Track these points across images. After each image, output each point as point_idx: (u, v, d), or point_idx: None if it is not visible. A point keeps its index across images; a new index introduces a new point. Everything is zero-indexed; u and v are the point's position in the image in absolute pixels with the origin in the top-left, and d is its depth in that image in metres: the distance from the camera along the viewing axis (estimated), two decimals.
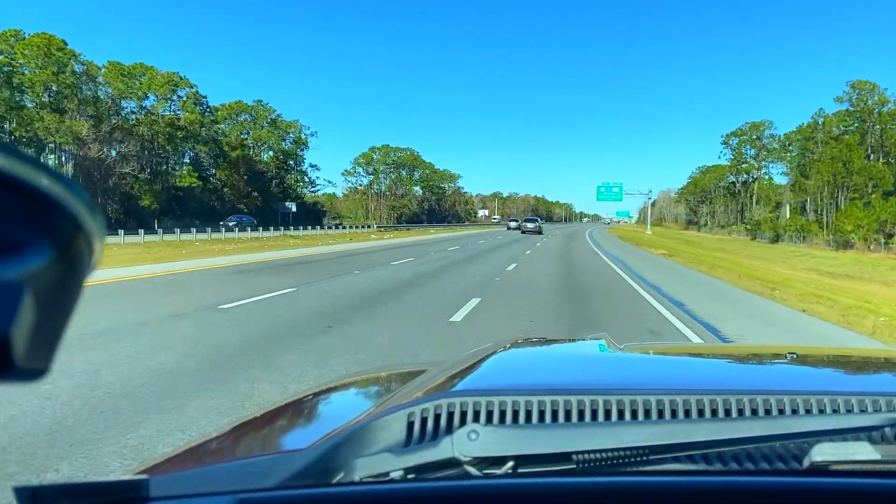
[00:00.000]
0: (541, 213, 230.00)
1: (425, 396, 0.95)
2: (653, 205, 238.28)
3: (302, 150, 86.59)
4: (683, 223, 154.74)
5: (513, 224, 72.20)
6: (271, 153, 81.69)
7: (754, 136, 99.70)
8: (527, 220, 61.71)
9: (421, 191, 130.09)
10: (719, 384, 1.04)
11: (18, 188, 0.35)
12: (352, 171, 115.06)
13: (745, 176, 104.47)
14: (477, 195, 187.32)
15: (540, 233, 55.16)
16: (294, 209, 74.86)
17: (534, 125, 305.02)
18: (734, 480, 0.76)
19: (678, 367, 1.51)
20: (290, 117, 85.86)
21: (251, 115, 79.59)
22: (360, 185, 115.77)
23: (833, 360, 1.62)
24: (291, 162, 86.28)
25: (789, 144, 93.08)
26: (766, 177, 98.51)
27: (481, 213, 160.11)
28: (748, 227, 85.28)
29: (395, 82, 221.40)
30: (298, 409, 1.52)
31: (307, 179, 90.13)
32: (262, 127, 79.78)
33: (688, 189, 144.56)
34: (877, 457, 0.74)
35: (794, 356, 1.36)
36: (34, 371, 0.37)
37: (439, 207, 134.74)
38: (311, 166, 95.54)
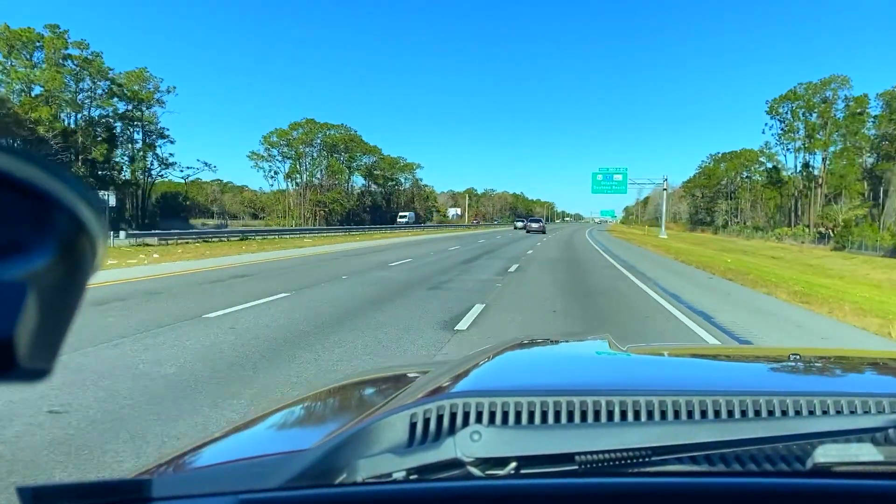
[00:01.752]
0: (520, 212, 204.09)
1: (428, 397, 0.95)
2: (645, 202, 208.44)
3: (147, 111, 57.27)
4: (686, 223, 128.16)
5: (519, 224, 77.72)
6: (71, 111, 50.48)
7: (817, 100, 70.84)
8: (531, 221, 67.34)
9: (366, 182, 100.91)
10: (722, 385, 1.03)
11: (22, 188, 0.35)
12: (261, 154, 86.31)
13: (800, 158, 75.54)
14: (447, 192, 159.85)
15: (543, 232, 59.45)
16: (112, 201, 44.76)
17: (511, 118, 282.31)
18: (737, 482, 0.76)
19: (681, 367, 1.51)
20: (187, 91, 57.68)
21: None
22: (275, 170, 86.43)
23: (836, 361, 1.61)
24: (132, 129, 56.92)
25: (859, 113, 65.72)
26: (834, 159, 68.99)
27: (452, 212, 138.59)
28: (823, 230, 57.74)
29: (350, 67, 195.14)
30: (301, 410, 1.52)
31: (159, 158, 60.50)
32: (50, 65, 48.29)
33: (696, 182, 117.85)
34: (880, 458, 0.74)
35: (798, 357, 1.35)
36: (37, 371, 0.37)
37: (389, 204, 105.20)
38: (162, 137, 57.94)
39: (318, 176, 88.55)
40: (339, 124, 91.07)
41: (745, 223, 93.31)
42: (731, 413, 0.88)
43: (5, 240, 0.35)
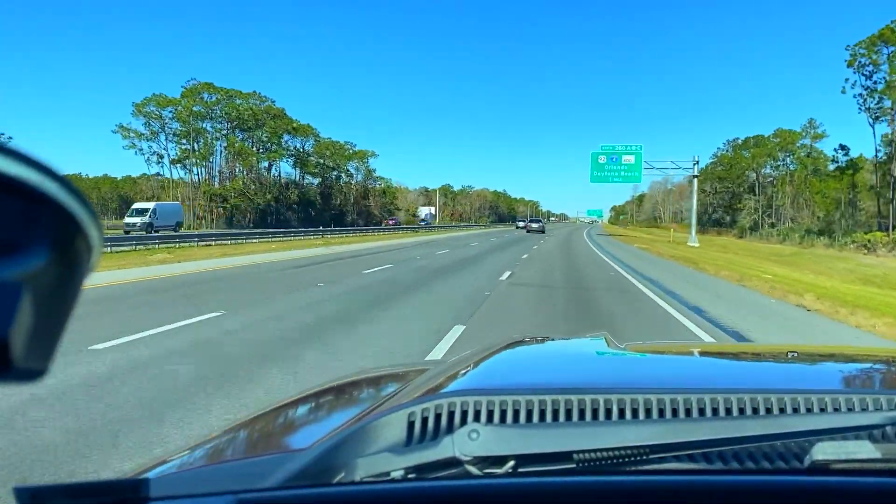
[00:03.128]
0: (501, 212, 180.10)
1: (426, 396, 0.95)
2: (640, 200, 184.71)
3: None
4: (686, 225, 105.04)
5: (521, 224, 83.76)
6: None
7: None
8: (531, 221, 70.50)
9: (295, 171, 77.96)
10: (720, 383, 1.04)
11: (18, 189, 0.34)
12: (137, 130, 63.58)
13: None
14: (419, 188, 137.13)
15: (542, 231, 62.50)
16: None
17: (493, 110, 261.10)
18: (735, 480, 0.77)
19: (679, 365, 1.51)
20: None
21: None
22: (159, 153, 63.82)
23: (833, 358, 1.62)
24: None
25: None
26: None
27: (424, 210, 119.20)
28: None
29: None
30: (299, 409, 1.52)
31: None
32: None
33: (709, 174, 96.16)
34: (877, 456, 0.74)
35: (795, 355, 1.35)
36: (33, 372, 0.37)
37: (327, 202, 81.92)
38: None
39: (217, 162, 65.60)
40: (252, 92, 68.13)
41: (784, 223, 71.37)
42: (729, 411, 0.88)
43: (1, 240, 0.35)
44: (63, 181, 0.37)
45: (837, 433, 0.78)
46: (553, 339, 1.77)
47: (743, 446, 0.78)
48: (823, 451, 0.75)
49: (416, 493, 0.75)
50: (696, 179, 54.41)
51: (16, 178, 0.34)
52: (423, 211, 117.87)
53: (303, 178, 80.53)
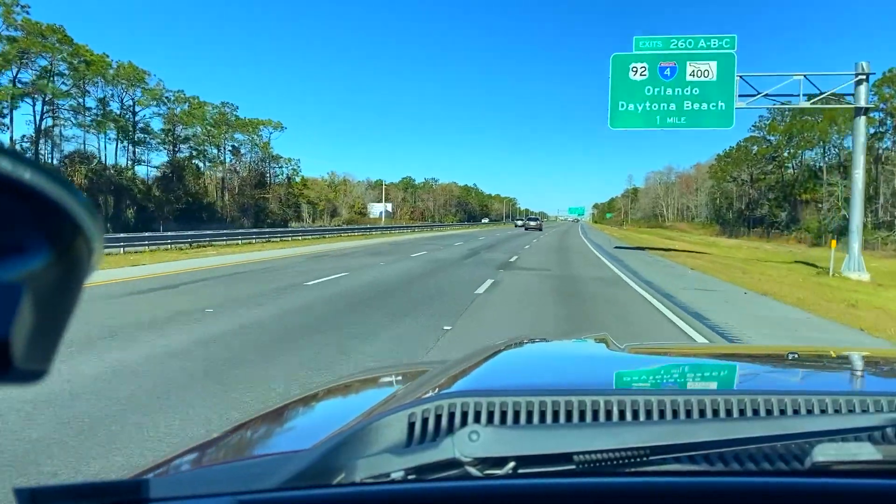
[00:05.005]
0: (472, 209, 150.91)
1: (426, 397, 0.95)
2: (634, 193, 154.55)
3: None
4: (699, 224, 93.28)
5: (519, 223, 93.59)
6: None
7: None
8: (530, 220, 74.47)
9: (98, 138, 49.43)
10: (721, 384, 1.04)
11: (18, 190, 0.35)
12: None
13: None
14: (376, 181, 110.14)
15: (540, 229, 64.67)
16: None
17: (464, 100, 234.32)
18: (736, 481, 0.77)
19: (679, 367, 1.49)
20: None
21: None
22: None
23: (834, 360, 1.62)
24: None
25: None
26: None
27: (377, 208, 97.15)
28: None
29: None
30: (299, 410, 1.52)
31: None
32: None
33: (723, 167, 76.80)
34: (878, 457, 0.74)
35: (796, 356, 1.35)
36: (34, 373, 0.37)
37: (172, 192, 52.35)
38: None
39: None
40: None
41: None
42: (729, 412, 0.88)
43: (2, 241, 0.35)
44: (63, 182, 0.37)
45: (838, 434, 0.78)
46: (553, 341, 1.77)
47: (743, 448, 0.78)
48: (824, 453, 0.74)
49: (417, 495, 0.74)
50: (863, 116, 21.46)
51: (16, 179, 0.34)
52: (376, 209, 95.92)
53: (135, 156, 50.91)
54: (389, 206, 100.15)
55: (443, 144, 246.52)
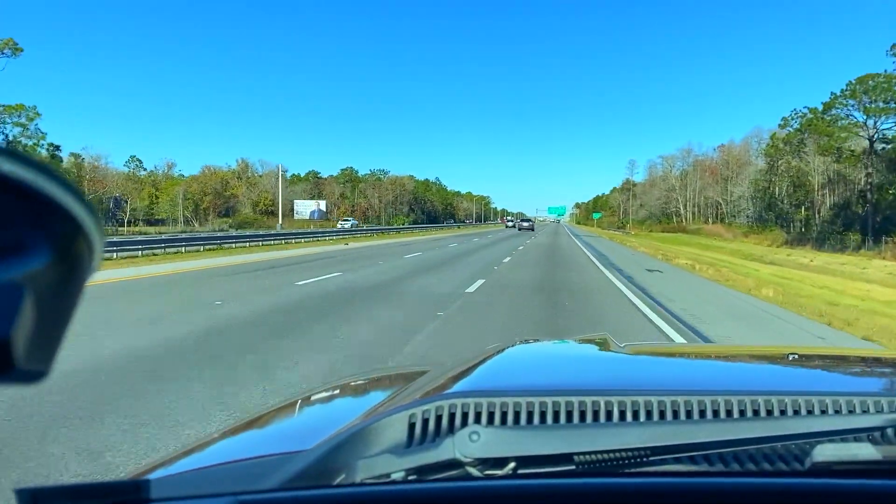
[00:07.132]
0: (433, 208, 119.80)
1: (427, 397, 0.95)
2: (635, 193, 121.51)
3: None
4: (744, 227, 68.68)
5: (510, 223, 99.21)
6: None
7: None
8: (522, 221, 78.63)
9: None
10: (720, 385, 1.04)
11: (20, 190, 0.35)
12: None
13: None
14: (307, 173, 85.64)
15: (532, 230, 67.89)
16: None
17: (432, 90, 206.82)
18: (736, 481, 0.77)
19: (679, 367, 1.51)
20: None
21: None
22: None
23: (834, 360, 1.62)
24: None
25: None
26: None
27: (306, 206, 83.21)
28: None
29: None
30: (299, 410, 1.52)
31: None
32: None
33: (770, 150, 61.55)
34: (878, 457, 0.74)
35: (796, 357, 1.36)
36: (34, 373, 0.37)
37: None
38: None
39: None
40: None
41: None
42: (729, 413, 0.88)
43: (3, 241, 0.35)
44: (64, 182, 0.37)
45: (838, 435, 0.78)
46: (554, 341, 1.77)
47: (744, 448, 0.79)
48: (824, 453, 0.75)
49: (417, 495, 0.74)
50: None
51: (17, 179, 0.34)
52: (307, 206, 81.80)
53: None
54: (323, 204, 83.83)
55: (398, 134, 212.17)
